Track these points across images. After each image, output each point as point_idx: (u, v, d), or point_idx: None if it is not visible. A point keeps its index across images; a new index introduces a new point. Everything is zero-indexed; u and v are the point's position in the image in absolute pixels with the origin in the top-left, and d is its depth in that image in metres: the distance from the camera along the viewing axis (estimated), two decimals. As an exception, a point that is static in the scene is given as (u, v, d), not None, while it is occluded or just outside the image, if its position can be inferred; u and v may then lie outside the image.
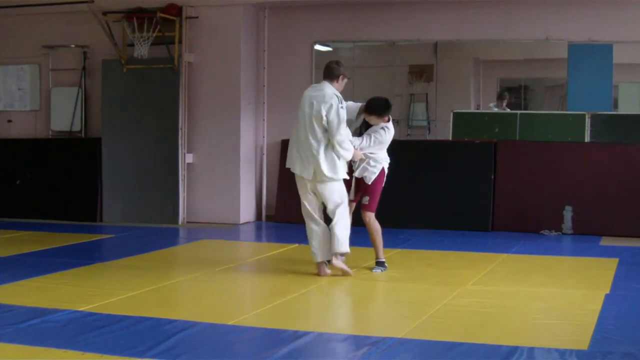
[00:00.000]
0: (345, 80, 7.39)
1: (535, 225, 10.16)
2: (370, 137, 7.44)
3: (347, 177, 7.35)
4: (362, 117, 7.59)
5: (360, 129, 7.64)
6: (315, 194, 7.28)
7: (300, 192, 7.34)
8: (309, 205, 7.31)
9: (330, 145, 7.12)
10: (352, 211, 7.65)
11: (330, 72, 7.32)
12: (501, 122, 10.83)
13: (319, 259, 7.30)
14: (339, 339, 5.22)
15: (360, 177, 7.53)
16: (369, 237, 7.59)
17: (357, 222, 7.82)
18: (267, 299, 6.55)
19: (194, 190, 11.21)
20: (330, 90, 7.20)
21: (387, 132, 7.48)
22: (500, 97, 11.17)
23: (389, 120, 7.54)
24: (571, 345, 4.94)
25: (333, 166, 7.14)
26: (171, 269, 7.90)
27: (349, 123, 7.37)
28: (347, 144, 7.14)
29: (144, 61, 10.99)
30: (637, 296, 6.51)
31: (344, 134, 7.11)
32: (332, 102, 7.10)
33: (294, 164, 7.28)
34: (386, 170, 7.59)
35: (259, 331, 5.36)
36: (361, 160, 7.49)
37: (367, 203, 7.50)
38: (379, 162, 7.52)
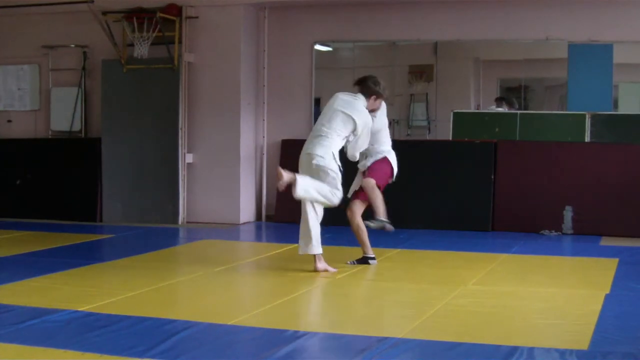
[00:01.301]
0: (378, 101, 7.49)
1: (535, 225, 10.16)
2: None
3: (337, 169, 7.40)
4: None
5: None
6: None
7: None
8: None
9: (334, 139, 7.23)
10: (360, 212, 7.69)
11: (364, 88, 7.43)
12: (501, 122, 10.83)
13: (320, 250, 7.33)
14: (339, 339, 5.21)
15: (363, 169, 7.65)
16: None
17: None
18: (267, 299, 6.55)
19: (194, 190, 11.21)
20: (363, 104, 7.35)
21: (375, 119, 7.57)
22: (499, 100, 11.19)
23: (374, 111, 7.64)
24: (571, 345, 4.93)
25: (328, 153, 7.22)
26: (171, 269, 7.88)
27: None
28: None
29: (144, 61, 10.99)
30: (637, 296, 6.50)
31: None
32: (368, 119, 7.33)
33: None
34: (392, 163, 7.69)
35: (259, 331, 5.35)
36: (362, 156, 7.60)
37: (371, 173, 7.60)
38: (381, 153, 7.66)
